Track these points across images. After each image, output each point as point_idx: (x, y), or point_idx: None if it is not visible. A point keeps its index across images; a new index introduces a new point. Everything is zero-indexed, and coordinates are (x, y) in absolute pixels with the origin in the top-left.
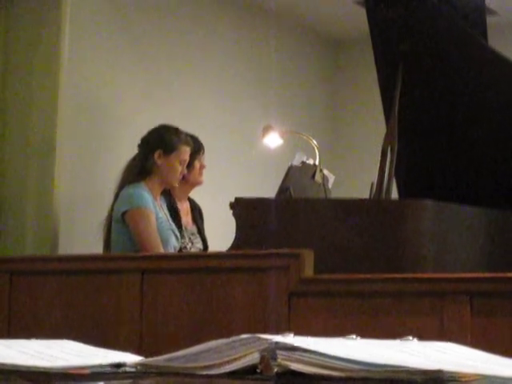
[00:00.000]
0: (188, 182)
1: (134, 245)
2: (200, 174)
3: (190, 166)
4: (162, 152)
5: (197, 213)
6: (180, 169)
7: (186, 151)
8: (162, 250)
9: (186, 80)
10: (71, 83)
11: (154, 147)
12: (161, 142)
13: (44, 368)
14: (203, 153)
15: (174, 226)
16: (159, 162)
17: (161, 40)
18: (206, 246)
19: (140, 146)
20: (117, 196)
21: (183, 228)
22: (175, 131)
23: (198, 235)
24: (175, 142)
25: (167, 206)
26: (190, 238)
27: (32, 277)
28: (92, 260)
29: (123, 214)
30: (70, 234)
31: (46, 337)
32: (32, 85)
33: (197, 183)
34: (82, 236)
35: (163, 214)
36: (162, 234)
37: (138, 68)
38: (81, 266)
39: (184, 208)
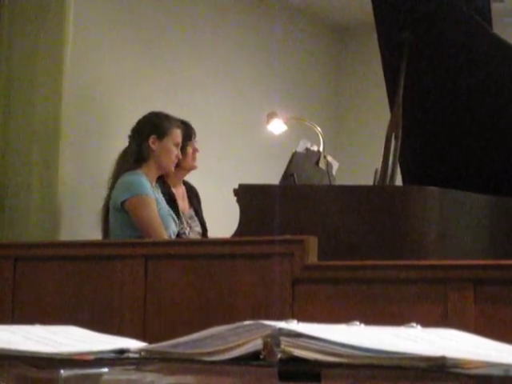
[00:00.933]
0: (182, 167)
1: (133, 232)
2: (193, 158)
3: (182, 151)
4: (155, 137)
5: (193, 195)
6: (175, 152)
7: (178, 134)
8: (165, 236)
9: (190, 68)
10: (75, 71)
11: (148, 133)
12: (153, 127)
13: (48, 354)
14: (195, 137)
15: (171, 212)
16: (154, 147)
17: (164, 29)
18: (204, 229)
19: (132, 136)
20: (113, 185)
21: (180, 213)
22: (165, 116)
23: (195, 218)
24: (167, 126)
25: (162, 191)
26: (188, 223)
27: (36, 262)
28: (96, 246)
29: (123, 202)
30: (73, 221)
31: (50, 322)
32: (36, 73)
33: (191, 168)
34: (85, 223)
35: (161, 199)
36: (162, 220)
37: (142, 57)
38: (84, 252)
39: (180, 193)
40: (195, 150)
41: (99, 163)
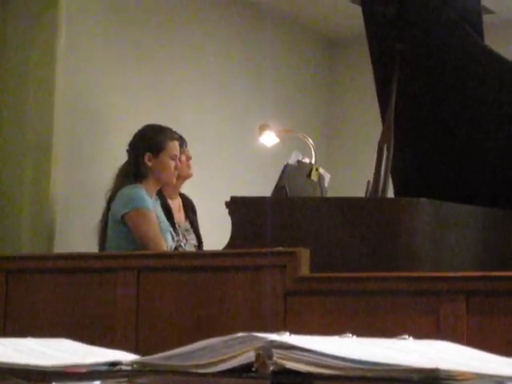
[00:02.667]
0: (178, 176)
1: (130, 245)
2: (188, 166)
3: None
4: (150, 155)
5: (189, 208)
6: (173, 164)
7: (174, 146)
8: (165, 249)
9: (182, 80)
10: (67, 82)
11: (142, 151)
12: (147, 144)
13: (40, 366)
14: (186, 145)
15: (169, 226)
16: (150, 164)
17: (157, 40)
18: (200, 242)
19: (129, 152)
20: (111, 198)
21: (176, 226)
22: (159, 129)
23: (191, 231)
24: (161, 141)
25: (161, 204)
26: (183, 235)
27: (28, 275)
28: (88, 258)
29: (123, 215)
30: (65, 233)
31: (42, 335)
32: (28, 84)
33: (187, 176)
34: (78, 235)
35: (161, 213)
36: (162, 235)
37: (135, 68)
38: (77, 265)
39: (176, 204)
40: (188, 158)
41: (91, 175)
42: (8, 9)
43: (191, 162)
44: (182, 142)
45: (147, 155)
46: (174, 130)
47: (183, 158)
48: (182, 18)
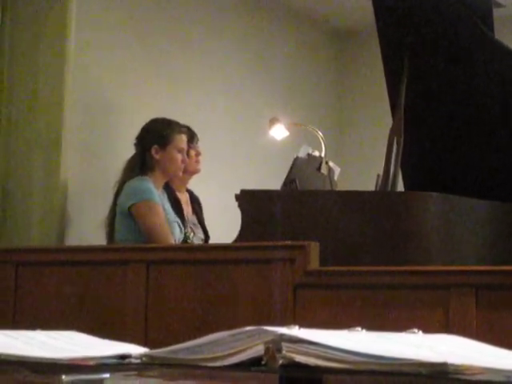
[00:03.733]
0: (185, 171)
1: (139, 237)
2: (197, 161)
3: (186, 155)
4: (157, 147)
5: (196, 204)
6: (180, 157)
7: (181, 139)
8: (172, 242)
9: (192, 73)
10: (77, 77)
11: (149, 144)
12: (154, 137)
13: (49, 359)
14: (197, 141)
15: (177, 218)
16: (157, 156)
17: (167, 34)
18: (207, 237)
19: (136, 145)
20: (118, 191)
21: (185, 218)
22: (167, 122)
23: (198, 225)
24: (168, 134)
25: (168, 197)
26: (191, 228)
27: (38, 268)
28: (97, 251)
29: (130, 207)
30: (75, 225)
31: (51, 328)
32: (38, 80)
33: (195, 171)
34: (88, 228)
35: (168, 206)
36: (169, 227)
37: (144, 61)
38: (86, 257)
39: (184, 198)
40: (198, 154)
41: (101, 169)
42: (17, 8)
43: (200, 157)
44: (193, 137)
45: (154, 148)
46: (182, 123)
47: (192, 153)
48: (192, 14)
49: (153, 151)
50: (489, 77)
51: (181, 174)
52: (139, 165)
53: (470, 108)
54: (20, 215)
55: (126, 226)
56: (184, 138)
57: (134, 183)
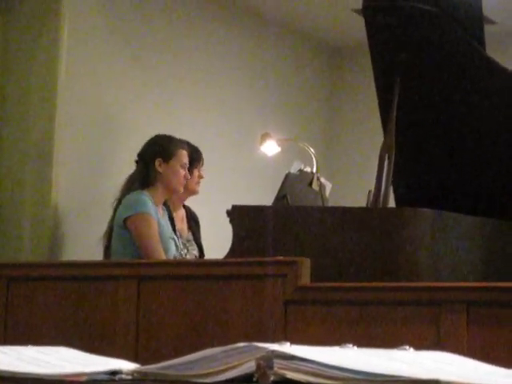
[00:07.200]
0: (185, 188)
1: (134, 250)
2: (197, 183)
3: (189, 174)
4: (161, 160)
5: (192, 220)
6: (183, 172)
7: (184, 154)
8: (163, 255)
9: (184, 88)
10: (69, 89)
11: (153, 157)
12: (159, 150)
13: (40, 375)
14: (203, 164)
15: (174, 235)
16: (161, 169)
17: (160, 48)
18: (201, 253)
19: (139, 160)
20: (117, 206)
21: (177, 234)
22: (169, 138)
23: (193, 242)
24: (172, 148)
25: (168, 214)
26: (185, 245)
27: (29, 283)
28: (89, 266)
29: (126, 219)
30: (66, 240)
31: (43, 343)
32: (30, 91)
33: (193, 192)
34: (79, 243)
35: (165, 222)
36: (164, 243)
37: (137, 77)
38: (77, 273)
39: (179, 215)
40: (200, 176)
41: (93, 184)
42: (10, 14)
43: (201, 181)
44: (200, 158)
45: (158, 160)
46: (192, 143)
47: (196, 173)
48: (185, 28)
49: (156, 164)
50: (482, 94)
51: (182, 189)
52: (140, 180)
53: (463, 124)
54: (11, 230)
55: (122, 238)
56: (186, 154)
57: (132, 196)
